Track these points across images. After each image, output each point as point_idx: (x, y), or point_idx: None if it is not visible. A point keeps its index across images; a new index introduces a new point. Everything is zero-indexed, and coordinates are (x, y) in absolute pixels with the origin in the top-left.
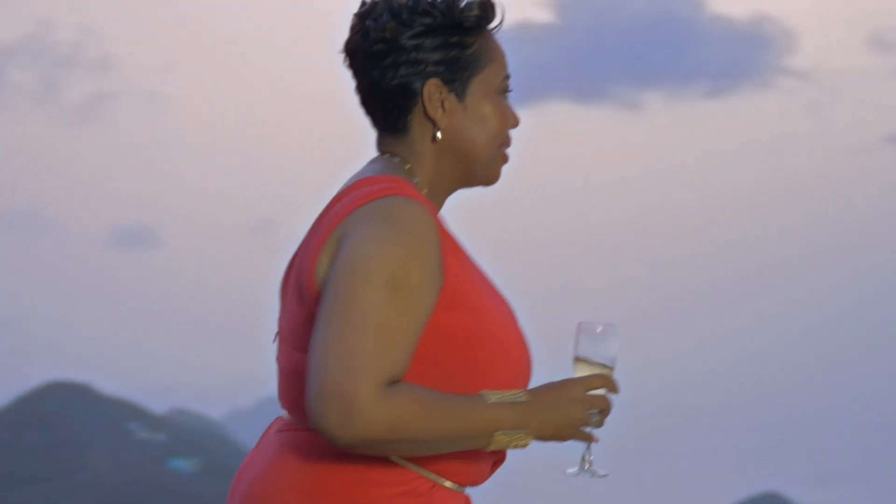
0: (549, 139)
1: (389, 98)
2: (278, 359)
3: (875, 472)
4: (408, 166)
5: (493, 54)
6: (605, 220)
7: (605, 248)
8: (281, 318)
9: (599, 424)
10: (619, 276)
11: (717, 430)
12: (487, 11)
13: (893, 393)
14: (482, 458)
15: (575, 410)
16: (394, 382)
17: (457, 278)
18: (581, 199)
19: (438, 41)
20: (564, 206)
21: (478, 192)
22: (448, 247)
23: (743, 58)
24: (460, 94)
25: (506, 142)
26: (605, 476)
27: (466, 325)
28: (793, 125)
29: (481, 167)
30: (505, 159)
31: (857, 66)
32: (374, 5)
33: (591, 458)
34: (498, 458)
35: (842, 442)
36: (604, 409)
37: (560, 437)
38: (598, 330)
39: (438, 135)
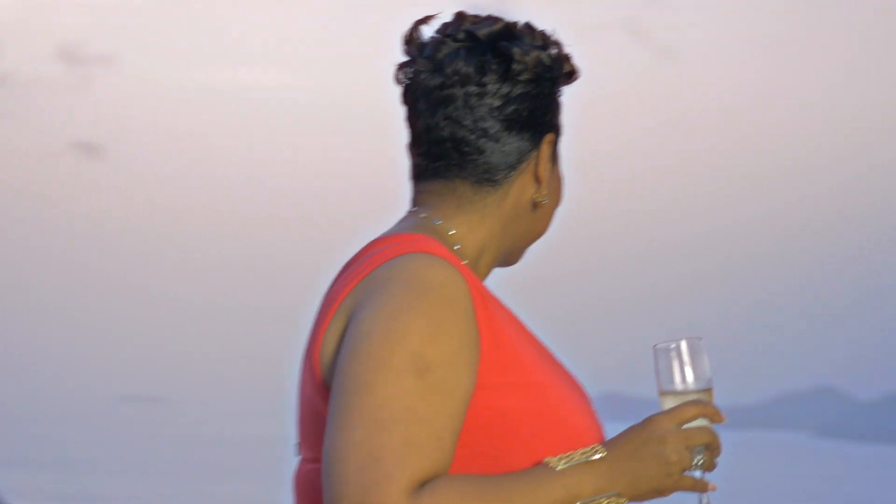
0: None
1: (496, 147)
2: (296, 476)
3: None
4: (450, 226)
5: None
6: None
7: None
8: (298, 419)
9: (710, 466)
10: None
11: None
12: (576, 66)
13: None
14: None
15: (669, 452)
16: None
17: (496, 350)
18: None
19: (549, 93)
20: None
21: None
22: (485, 314)
23: None
24: (555, 157)
25: None
26: None
27: (502, 406)
28: None
29: (529, 245)
30: None
31: (47, 76)
32: (489, 25)
33: None
34: None
35: None
36: (711, 445)
37: (661, 490)
38: (680, 348)
39: (541, 199)
